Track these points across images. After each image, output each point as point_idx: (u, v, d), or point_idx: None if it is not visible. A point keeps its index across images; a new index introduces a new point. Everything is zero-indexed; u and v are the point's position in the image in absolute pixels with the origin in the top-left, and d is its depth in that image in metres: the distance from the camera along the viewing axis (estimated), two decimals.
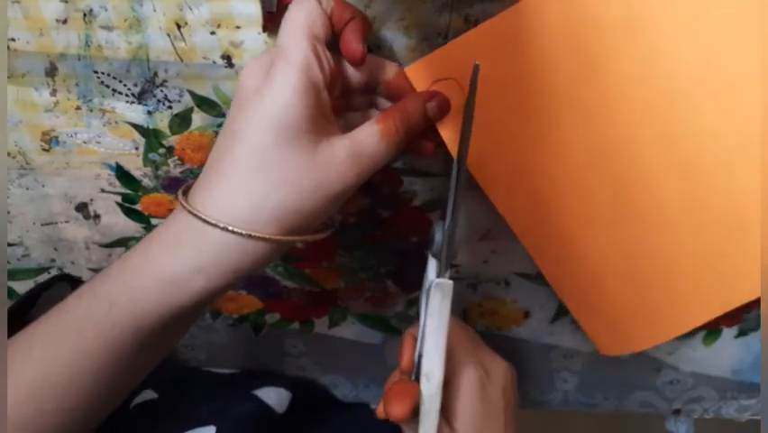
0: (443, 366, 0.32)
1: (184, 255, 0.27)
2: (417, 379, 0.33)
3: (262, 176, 0.27)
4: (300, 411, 0.48)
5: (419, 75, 0.32)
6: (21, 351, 0.29)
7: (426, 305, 0.32)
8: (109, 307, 0.28)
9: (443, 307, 0.31)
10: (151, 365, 0.33)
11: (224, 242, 0.27)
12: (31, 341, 0.30)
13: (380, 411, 0.33)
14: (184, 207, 0.28)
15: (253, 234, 0.27)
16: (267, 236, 0.27)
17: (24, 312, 0.41)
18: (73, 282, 0.45)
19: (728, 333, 0.45)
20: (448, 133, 0.33)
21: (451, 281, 0.31)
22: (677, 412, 0.52)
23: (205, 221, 0.27)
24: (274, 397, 0.47)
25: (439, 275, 0.32)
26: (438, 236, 0.32)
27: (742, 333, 0.45)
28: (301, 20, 0.27)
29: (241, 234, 0.27)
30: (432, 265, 0.33)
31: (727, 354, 0.46)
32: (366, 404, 0.54)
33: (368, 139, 0.28)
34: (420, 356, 0.32)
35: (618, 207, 0.37)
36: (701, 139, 0.34)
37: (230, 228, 0.26)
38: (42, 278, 0.45)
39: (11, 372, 0.29)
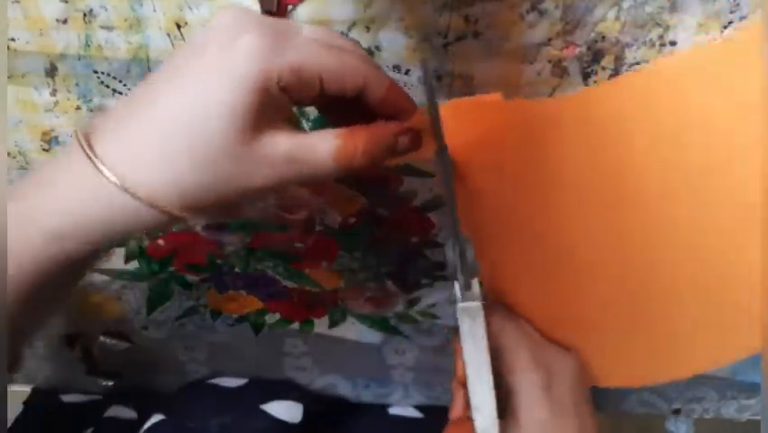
0: (492, 396, 0.29)
1: (70, 206, 0.25)
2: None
3: (185, 151, 0.24)
4: (316, 420, 0.48)
5: (451, 113, 0.31)
6: None
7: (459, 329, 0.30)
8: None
9: (476, 331, 0.29)
10: (47, 312, 0.30)
11: (116, 202, 0.24)
12: None
13: None
14: (86, 153, 0.24)
15: (158, 205, 0.24)
16: (172, 212, 0.25)
17: None
18: None
19: None
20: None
21: (477, 303, 0.29)
22: (677, 412, 0.51)
23: (106, 176, 0.24)
24: (283, 411, 0.47)
25: (463, 297, 0.29)
26: (450, 257, 0.30)
27: None
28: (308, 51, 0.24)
29: (141, 201, 0.24)
30: (457, 286, 0.30)
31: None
32: (383, 406, 0.53)
33: (319, 151, 0.26)
34: (467, 385, 0.30)
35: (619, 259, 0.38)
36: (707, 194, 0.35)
37: (131, 191, 0.24)
38: None
39: None
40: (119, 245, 0.43)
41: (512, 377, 0.33)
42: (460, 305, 0.29)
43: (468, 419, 0.32)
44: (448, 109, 0.30)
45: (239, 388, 0.51)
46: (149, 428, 0.46)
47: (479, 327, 0.29)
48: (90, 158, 0.24)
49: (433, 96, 0.30)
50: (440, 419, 0.38)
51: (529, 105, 0.34)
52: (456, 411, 0.37)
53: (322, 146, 0.26)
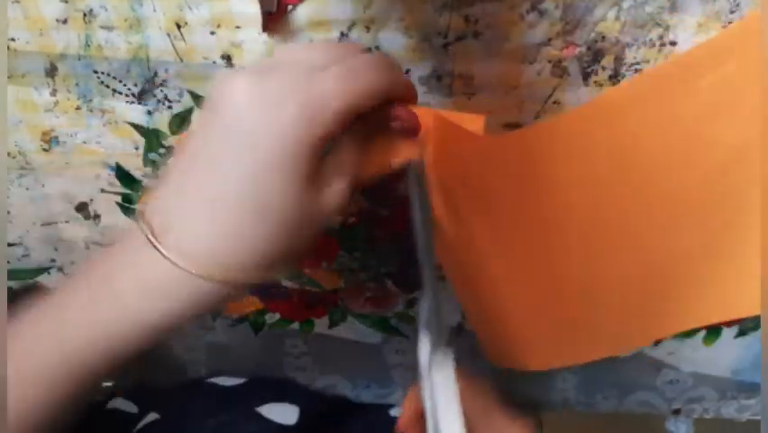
0: None
1: (157, 299, 0.25)
2: None
3: (258, 227, 0.25)
4: (314, 422, 0.48)
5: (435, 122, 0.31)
6: None
7: (429, 384, 0.28)
8: (82, 345, 0.26)
9: (448, 384, 0.27)
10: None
11: (201, 287, 0.25)
12: None
13: None
14: (165, 256, 0.25)
15: (236, 283, 0.25)
16: (246, 281, 0.26)
17: None
18: None
19: (728, 333, 0.45)
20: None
21: (449, 354, 0.27)
22: (677, 412, 0.51)
23: (188, 270, 0.25)
24: (279, 413, 0.47)
25: (434, 350, 0.28)
26: (423, 308, 0.28)
27: (742, 333, 0.45)
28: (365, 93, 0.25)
29: (221, 282, 0.25)
30: (424, 338, 0.29)
31: (727, 353, 0.46)
32: (384, 407, 0.53)
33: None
34: None
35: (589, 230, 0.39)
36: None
37: (216, 279, 0.25)
38: (43, 278, 0.45)
39: None
40: None
41: None
42: (433, 355, 0.27)
43: None
44: (432, 117, 0.30)
45: (235, 388, 0.51)
46: (143, 427, 0.46)
47: (450, 380, 0.27)
48: (167, 257, 0.25)
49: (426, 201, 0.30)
50: None
51: (507, 139, 0.35)
52: None
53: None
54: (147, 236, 0.25)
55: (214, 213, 0.25)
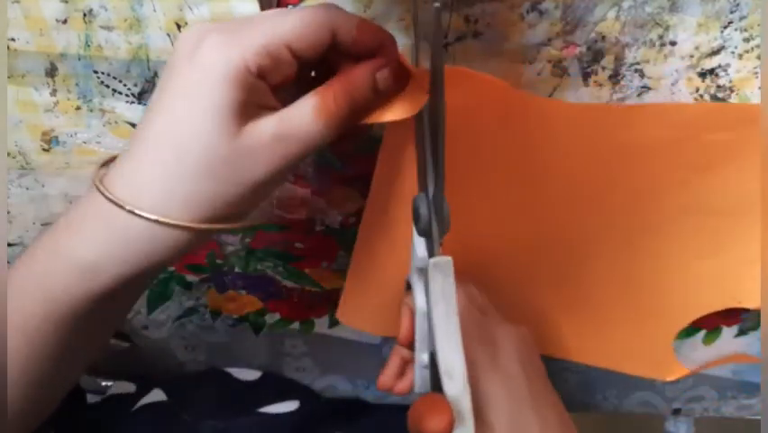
0: (463, 359, 0.27)
1: (92, 238, 0.25)
2: (438, 379, 0.28)
3: (176, 161, 0.24)
4: (321, 420, 0.48)
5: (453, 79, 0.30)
6: None
7: (426, 290, 0.28)
8: (20, 295, 0.26)
9: (447, 288, 0.26)
10: (92, 351, 0.31)
11: (131, 227, 0.25)
12: None
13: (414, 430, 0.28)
14: (95, 185, 0.25)
15: (161, 219, 0.24)
16: (176, 223, 0.25)
17: None
18: None
19: (728, 332, 0.45)
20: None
21: (449, 258, 0.26)
22: (677, 412, 0.52)
23: (111, 201, 0.25)
24: (281, 408, 0.47)
25: (432, 253, 0.27)
26: (423, 210, 0.27)
27: (742, 332, 0.45)
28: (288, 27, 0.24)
29: (148, 220, 0.24)
30: (420, 243, 0.28)
31: (727, 353, 0.46)
32: (389, 406, 0.53)
33: (300, 118, 0.25)
34: (433, 353, 0.28)
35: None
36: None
37: (136, 212, 0.24)
38: None
39: None
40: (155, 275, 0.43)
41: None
42: (432, 261, 0.26)
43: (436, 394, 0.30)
44: (451, 74, 0.29)
45: (247, 384, 0.51)
46: (145, 405, 0.46)
47: (450, 284, 0.26)
48: (99, 189, 0.25)
49: (439, 40, 0.28)
50: None
51: (532, 101, 0.34)
52: (388, 377, 0.36)
53: (303, 110, 0.25)
54: (94, 174, 0.26)
55: (143, 153, 0.25)
